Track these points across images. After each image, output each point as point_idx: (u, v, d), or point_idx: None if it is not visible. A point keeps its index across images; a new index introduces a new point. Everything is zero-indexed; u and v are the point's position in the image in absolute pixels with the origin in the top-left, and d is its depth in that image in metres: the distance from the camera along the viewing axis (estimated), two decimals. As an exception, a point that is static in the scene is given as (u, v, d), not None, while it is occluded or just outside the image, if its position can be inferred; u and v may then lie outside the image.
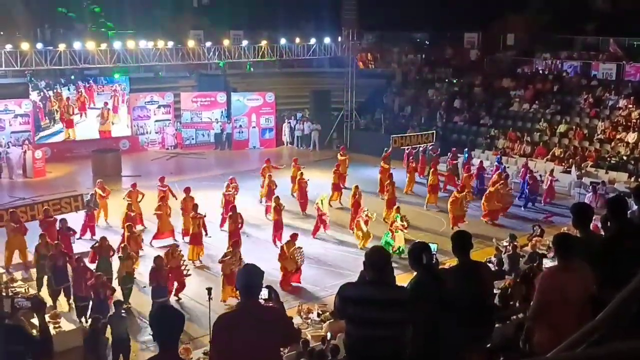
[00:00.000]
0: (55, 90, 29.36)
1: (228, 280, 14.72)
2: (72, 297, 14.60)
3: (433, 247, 12.49)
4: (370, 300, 4.61)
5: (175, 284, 15.22)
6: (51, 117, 29.50)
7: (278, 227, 18.78)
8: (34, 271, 15.98)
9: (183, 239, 18.74)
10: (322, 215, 19.49)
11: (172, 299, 14.97)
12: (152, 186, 21.11)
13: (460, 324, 5.01)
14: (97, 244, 15.65)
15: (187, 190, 19.62)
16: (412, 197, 23.65)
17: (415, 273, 5.30)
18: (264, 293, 4.90)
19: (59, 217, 17.52)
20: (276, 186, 21.79)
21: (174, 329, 4.08)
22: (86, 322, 13.55)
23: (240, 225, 17.97)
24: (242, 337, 4.37)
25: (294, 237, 16.35)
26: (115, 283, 14.89)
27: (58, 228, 16.77)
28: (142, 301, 15.02)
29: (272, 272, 15.58)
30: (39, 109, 28.96)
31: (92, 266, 15.12)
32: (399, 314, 4.64)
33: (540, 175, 23.88)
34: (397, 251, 17.41)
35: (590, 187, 22.24)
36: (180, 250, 15.97)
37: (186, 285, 15.46)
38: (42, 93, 29.10)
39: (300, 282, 16.16)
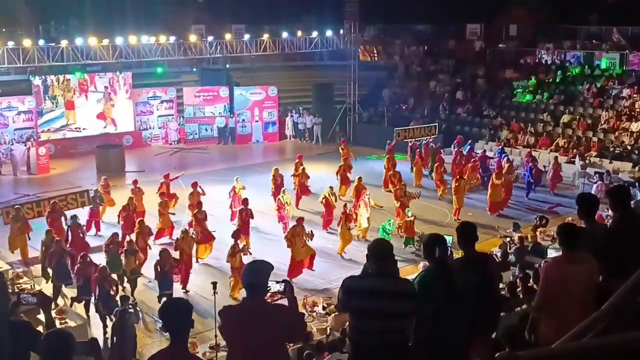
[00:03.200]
0: (57, 76, 29.32)
1: (239, 274, 14.70)
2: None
3: (448, 239, 12.33)
4: (373, 292, 4.61)
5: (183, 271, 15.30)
6: (53, 100, 29.49)
7: (281, 219, 19.05)
8: (34, 268, 16.06)
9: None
10: (331, 207, 19.54)
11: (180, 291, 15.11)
12: (156, 181, 21.10)
13: (466, 316, 5.00)
14: (110, 243, 15.67)
15: (194, 185, 19.71)
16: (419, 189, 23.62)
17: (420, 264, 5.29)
18: (279, 287, 4.89)
19: (68, 212, 17.69)
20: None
21: (183, 320, 4.13)
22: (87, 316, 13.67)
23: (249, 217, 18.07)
24: (244, 332, 4.40)
25: (299, 220, 16.41)
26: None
27: (69, 224, 16.79)
28: (148, 296, 15.08)
29: (279, 266, 15.58)
30: (39, 91, 28.98)
31: (101, 258, 15.28)
32: (401, 306, 4.64)
33: (544, 166, 23.88)
34: (407, 242, 17.58)
35: (598, 176, 22.13)
36: (191, 234, 16.13)
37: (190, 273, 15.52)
38: (43, 77, 29.09)
39: (312, 268, 16.19)
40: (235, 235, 15.82)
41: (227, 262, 15.24)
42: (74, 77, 29.62)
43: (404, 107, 33.04)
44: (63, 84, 29.51)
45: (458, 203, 20.33)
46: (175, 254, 15.35)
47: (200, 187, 19.75)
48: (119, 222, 18.32)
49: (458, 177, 20.95)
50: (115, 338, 12.01)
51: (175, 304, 4.34)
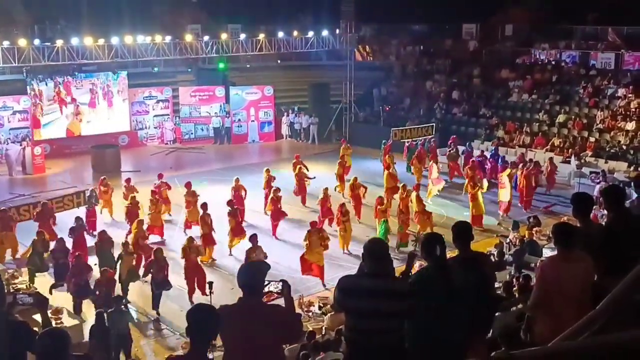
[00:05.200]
0: (31, 85, 28.91)
1: None
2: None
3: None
4: (369, 292, 4.60)
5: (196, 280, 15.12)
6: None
7: (275, 217, 19.06)
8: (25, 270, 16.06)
9: (185, 232, 18.87)
10: (326, 207, 19.54)
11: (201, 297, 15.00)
12: (152, 181, 21.05)
13: (465, 316, 5.00)
14: (97, 240, 15.69)
15: (188, 185, 19.68)
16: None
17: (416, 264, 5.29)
18: (277, 286, 4.87)
19: (65, 213, 17.67)
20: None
21: (208, 329, 4.06)
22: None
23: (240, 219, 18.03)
24: (240, 332, 4.38)
25: (313, 224, 16.33)
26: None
27: (74, 225, 16.71)
28: (145, 296, 15.05)
29: (276, 266, 15.54)
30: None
31: (94, 259, 15.28)
32: (397, 305, 4.63)
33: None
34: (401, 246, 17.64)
35: (601, 177, 21.97)
36: (197, 243, 15.94)
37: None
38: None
39: (323, 281, 15.94)
40: (252, 240, 15.66)
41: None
42: (46, 88, 29.15)
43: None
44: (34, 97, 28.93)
45: (477, 210, 19.83)
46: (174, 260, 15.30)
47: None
48: (126, 220, 18.41)
49: (472, 183, 20.43)
50: (94, 340, 11.78)
51: (202, 312, 4.21)
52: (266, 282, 4.72)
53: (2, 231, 16.78)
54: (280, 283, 4.89)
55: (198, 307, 4.34)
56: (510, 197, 20.53)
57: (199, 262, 15.66)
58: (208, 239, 17.27)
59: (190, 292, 14.90)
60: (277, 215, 19.17)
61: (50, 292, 14.27)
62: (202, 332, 4.07)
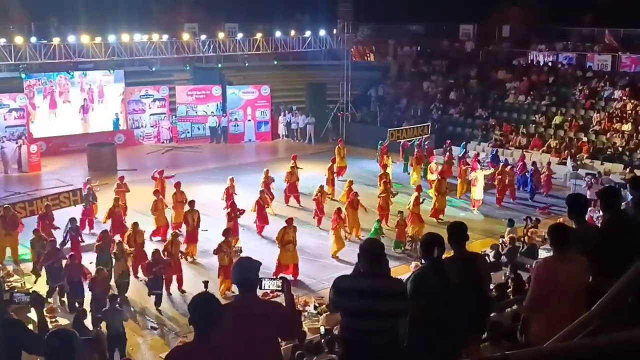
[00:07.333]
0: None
1: (225, 272, 14.67)
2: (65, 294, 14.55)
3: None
4: (364, 292, 4.61)
5: (174, 277, 15.29)
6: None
7: (261, 220, 19.06)
8: (24, 266, 16.01)
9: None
10: (321, 205, 19.57)
11: (176, 293, 15.10)
12: (148, 180, 21.00)
13: (461, 315, 5.01)
14: (100, 240, 15.65)
15: (177, 184, 19.58)
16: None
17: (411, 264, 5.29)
18: (277, 284, 4.88)
19: (61, 211, 17.55)
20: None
21: (210, 317, 4.06)
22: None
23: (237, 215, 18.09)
24: (237, 328, 4.38)
25: (289, 221, 16.38)
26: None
27: (68, 228, 16.64)
28: (139, 293, 15.03)
29: (268, 265, 15.58)
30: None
31: (94, 257, 15.29)
32: (393, 306, 4.64)
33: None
34: (397, 245, 17.69)
35: (593, 178, 21.92)
36: (179, 239, 16.08)
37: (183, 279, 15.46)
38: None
39: (297, 277, 16.08)
40: (225, 233, 15.74)
41: (215, 253, 15.24)
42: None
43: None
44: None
45: (440, 204, 20.33)
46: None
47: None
48: (105, 222, 18.32)
49: (441, 177, 20.90)
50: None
51: (206, 301, 4.19)
52: (261, 279, 4.74)
53: (7, 230, 16.69)
54: (280, 280, 4.90)
55: (200, 296, 4.34)
56: (482, 195, 21.33)
57: (180, 260, 15.80)
58: (190, 237, 17.37)
59: (167, 286, 15.09)
60: (262, 218, 19.14)
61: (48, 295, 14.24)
62: (205, 321, 4.06)
